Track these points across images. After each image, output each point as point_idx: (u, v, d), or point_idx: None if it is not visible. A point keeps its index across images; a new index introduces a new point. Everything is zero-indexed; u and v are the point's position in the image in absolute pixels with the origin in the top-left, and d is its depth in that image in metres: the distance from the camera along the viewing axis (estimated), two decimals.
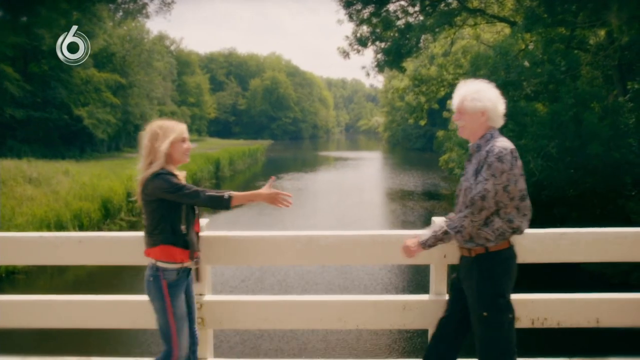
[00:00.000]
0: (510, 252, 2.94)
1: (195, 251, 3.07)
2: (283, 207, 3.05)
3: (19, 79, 30.45)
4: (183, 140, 3.05)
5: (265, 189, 3.03)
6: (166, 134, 2.99)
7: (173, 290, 2.98)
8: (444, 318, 3.16)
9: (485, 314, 2.86)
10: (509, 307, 2.91)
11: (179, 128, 3.06)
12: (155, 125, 3.04)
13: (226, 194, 2.95)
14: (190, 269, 3.13)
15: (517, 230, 2.91)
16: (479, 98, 2.89)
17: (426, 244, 2.89)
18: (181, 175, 3.08)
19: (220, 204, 2.95)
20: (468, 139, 3.00)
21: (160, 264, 2.98)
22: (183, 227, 3.00)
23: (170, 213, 2.96)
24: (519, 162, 2.83)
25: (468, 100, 2.92)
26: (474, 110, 2.90)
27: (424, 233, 2.93)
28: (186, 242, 3.01)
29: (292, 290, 11.33)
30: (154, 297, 3.00)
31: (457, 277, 3.13)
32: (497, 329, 2.88)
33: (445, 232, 2.84)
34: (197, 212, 3.13)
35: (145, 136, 3.03)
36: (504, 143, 2.82)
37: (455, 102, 2.99)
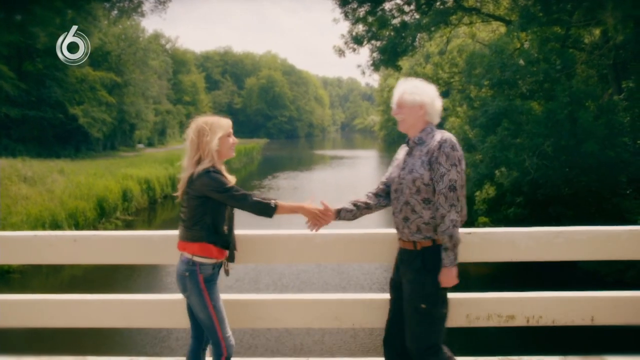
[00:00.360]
0: None
1: (234, 251, 3.13)
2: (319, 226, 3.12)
3: (14, 77, 30.31)
4: (229, 135, 3.09)
5: (308, 204, 3.10)
6: (213, 130, 3.02)
7: (210, 285, 3.00)
8: (390, 320, 3.15)
9: (423, 306, 2.89)
10: (445, 302, 2.97)
11: (225, 123, 3.09)
12: (201, 121, 3.06)
13: (272, 202, 2.98)
14: (222, 264, 3.14)
15: (463, 221, 2.99)
16: (418, 92, 2.99)
17: (453, 263, 2.88)
18: (231, 179, 3.09)
19: (266, 212, 2.99)
20: (407, 132, 3.06)
21: (197, 259, 2.98)
22: (225, 228, 3.05)
23: (214, 211, 2.98)
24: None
25: (407, 94, 3.00)
26: (412, 103, 2.98)
27: (444, 257, 2.88)
28: (227, 242, 3.06)
29: (287, 289, 11.32)
30: (191, 292, 3.00)
31: (396, 274, 3.12)
32: (432, 322, 2.92)
33: (451, 237, 2.84)
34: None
35: (191, 132, 3.04)
36: (450, 134, 2.94)
37: (394, 97, 3.06)
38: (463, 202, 2.96)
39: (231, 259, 3.14)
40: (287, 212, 3.09)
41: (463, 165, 2.90)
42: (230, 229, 3.10)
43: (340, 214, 3.17)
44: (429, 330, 2.92)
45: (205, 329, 3.06)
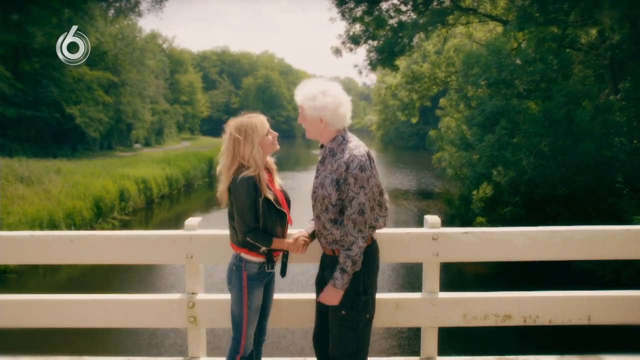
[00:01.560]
0: (373, 247, 2.94)
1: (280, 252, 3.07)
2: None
3: (10, 77, 30.22)
4: (267, 133, 3.01)
5: (289, 242, 3.03)
6: (249, 138, 2.93)
7: (252, 283, 2.99)
8: (318, 321, 3.13)
9: (343, 312, 2.85)
10: (367, 307, 2.90)
11: (260, 125, 2.99)
12: (234, 128, 2.96)
13: (263, 248, 2.94)
14: (274, 264, 3.09)
15: (379, 228, 2.96)
16: (314, 106, 2.83)
17: (344, 286, 2.80)
18: (271, 162, 3.09)
19: (257, 249, 2.97)
20: (316, 139, 2.97)
21: (243, 256, 2.99)
22: (279, 230, 3.00)
23: (263, 217, 2.92)
24: (373, 163, 2.83)
25: (305, 107, 2.88)
26: (311, 117, 2.87)
27: (335, 277, 2.80)
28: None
29: (284, 289, 11.30)
30: (234, 286, 3.02)
31: (321, 273, 3.08)
32: (353, 328, 2.87)
33: (354, 263, 2.76)
34: (288, 216, 3.08)
35: (225, 141, 2.97)
36: (359, 149, 2.80)
37: (297, 103, 2.94)
38: (379, 213, 2.92)
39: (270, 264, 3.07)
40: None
41: (373, 183, 2.78)
42: (284, 233, 3.04)
43: (314, 235, 3.13)
44: (350, 336, 2.88)
45: (232, 321, 3.07)
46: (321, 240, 2.95)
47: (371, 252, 2.92)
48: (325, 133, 2.88)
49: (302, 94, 2.90)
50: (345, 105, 2.87)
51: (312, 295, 3.58)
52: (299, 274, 12.27)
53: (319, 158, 2.96)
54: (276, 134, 3.07)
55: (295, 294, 3.63)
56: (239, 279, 2.99)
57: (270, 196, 2.93)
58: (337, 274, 2.78)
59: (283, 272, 3.12)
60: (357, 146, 2.82)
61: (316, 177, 2.92)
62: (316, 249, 3.23)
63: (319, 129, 2.88)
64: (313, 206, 2.95)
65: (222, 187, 2.98)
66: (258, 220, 2.90)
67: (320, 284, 3.07)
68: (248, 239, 2.89)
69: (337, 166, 2.79)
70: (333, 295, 2.82)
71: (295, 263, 3.35)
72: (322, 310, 3.07)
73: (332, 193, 2.78)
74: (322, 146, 2.96)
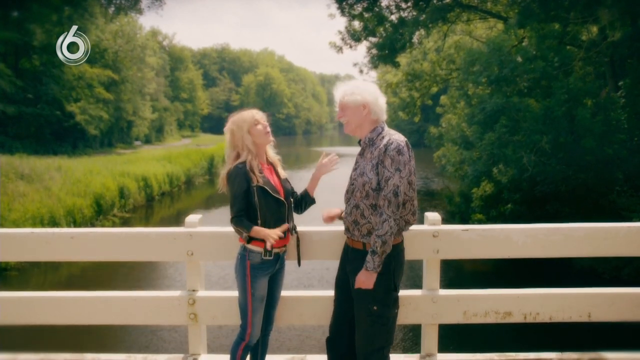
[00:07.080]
0: (402, 245, 2.99)
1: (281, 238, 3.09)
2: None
3: (10, 74, 30.24)
4: (256, 123, 3.16)
5: (269, 231, 3.05)
6: (239, 126, 3.14)
7: (255, 272, 3.08)
8: (335, 320, 3.14)
9: (375, 307, 2.88)
10: (396, 302, 2.97)
11: (248, 115, 3.18)
12: (230, 120, 3.21)
13: (245, 234, 3.04)
14: (280, 255, 3.19)
15: (412, 223, 2.98)
16: (358, 92, 2.93)
17: (376, 268, 2.81)
18: (273, 156, 3.27)
19: (239, 233, 3.08)
20: (354, 134, 3.01)
21: (247, 246, 3.08)
22: (276, 219, 3.10)
23: (259, 205, 3.04)
24: (412, 153, 2.89)
25: (348, 95, 2.96)
26: (355, 104, 2.94)
27: (366, 259, 2.82)
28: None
29: (285, 286, 11.30)
30: (238, 274, 3.14)
31: (342, 273, 3.09)
32: (384, 323, 2.91)
33: (384, 243, 2.76)
34: (288, 205, 3.17)
35: (225, 133, 3.21)
36: (399, 136, 2.89)
37: (336, 99, 3.02)
38: (415, 204, 2.95)
39: (268, 252, 3.09)
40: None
41: (409, 170, 2.82)
42: (267, 220, 3.07)
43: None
44: (381, 332, 2.91)
45: (239, 309, 3.16)
46: (354, 233, 2.95)
47: (401, 249, 2.98)
48: (366, 123, 2.95)
49: (343, 88, 3.01)
50: (383, 98, 2.98)
51: (312, 293, 3.59)
52: (299, 272, 12.29)
53: (358, 151, 3.03)
54: (266, 124, 3.20)
55: (295, 291, 3.63)
56: (243, 267, 3.09)
57: (263, 183, 3.05)
58: (368, 256, 2.81)
59: (298, 262, 3.27)
60: (397, 133, 2.91)
61: (354, 170, 2.98)
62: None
63: (362, 115, 2.94)
64: (348, 200, 2.98)
65: (222, 172, 3.14)
66: (247, 208, 3.02)
67: (340, 284, 3.09)
68: (232, 224, 3.04)
69: (377, 152, 2.86)
70: (366, 279, 2.83)
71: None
72: (341, 312, 3.09)
73: (372, 178, 2.85)
74: (359, 142, 3.01)
